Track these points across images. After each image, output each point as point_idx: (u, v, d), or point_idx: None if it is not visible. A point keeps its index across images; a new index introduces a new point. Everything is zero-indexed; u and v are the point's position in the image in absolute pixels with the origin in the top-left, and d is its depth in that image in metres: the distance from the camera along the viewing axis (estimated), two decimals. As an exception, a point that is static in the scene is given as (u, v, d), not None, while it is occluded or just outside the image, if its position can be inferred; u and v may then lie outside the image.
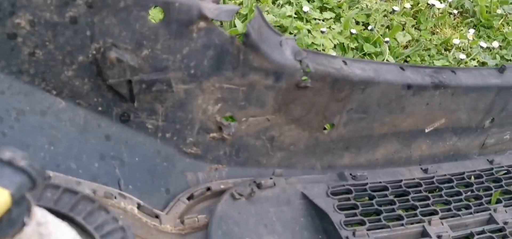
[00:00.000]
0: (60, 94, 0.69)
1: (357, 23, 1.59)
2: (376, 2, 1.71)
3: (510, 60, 1.73)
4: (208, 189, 0.89)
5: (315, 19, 1.51)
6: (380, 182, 1.09)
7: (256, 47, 0.77)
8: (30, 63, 0.64)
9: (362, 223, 0.96)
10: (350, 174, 1.08)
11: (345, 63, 0.94)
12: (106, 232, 0.47)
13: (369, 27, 1.54)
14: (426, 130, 1.16)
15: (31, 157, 0.35)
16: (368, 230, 0.96)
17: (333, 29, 1.48)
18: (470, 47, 1.70)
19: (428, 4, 1.77)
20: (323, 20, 1.53)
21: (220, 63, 0.78)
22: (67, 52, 0.65)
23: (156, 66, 0.73)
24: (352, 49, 1.47)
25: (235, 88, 0.83)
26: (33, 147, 0.66)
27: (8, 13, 0.59)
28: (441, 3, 1.77)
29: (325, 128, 1.03)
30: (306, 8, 1.44)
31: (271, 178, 0.95)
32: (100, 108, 0.74)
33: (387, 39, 1.46)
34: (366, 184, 1.06)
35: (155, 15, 0.89)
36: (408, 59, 1.58)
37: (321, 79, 0.89)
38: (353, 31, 1.43)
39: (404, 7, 1.70)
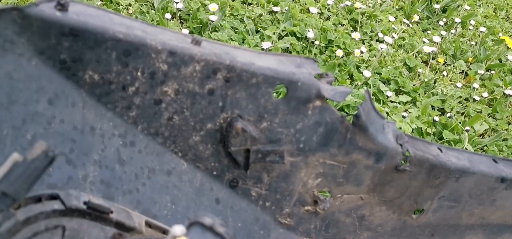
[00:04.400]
0: (185, 157, 0.75)
1: (433, 108, 1.60)
2: (452, 88, 1.73)
3: None
4: (299, 262, 0.90)
5: (392, 102, 1.55)
6: (468, 276, 1.05)
7: (365, 128, 0.80)
8: (166, 126, 0.71)
9: None
10: (437, 263, 1.05)
11: (440, 150, 0.95)
12: None
13: (448, 115, 1.54)
14: (515, 225, 1.12)
15: (217, 222, 0.38)
16: None
17: (410, 113, 1.50)
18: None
19: (504, 93, 1.76)
20: (399, 103, 1.56)
21: (327, 140, 0.81)
22: (199, 119, 0.72)
23: (272, 138, 0.77)
24: (429, 134, 1.47)
25: (336, 165, 0.86)
26: (159, 205, 0.71)
27: (160, 82, 0.66)
28: (518, 94, 1.76)
29: (414, 213, 1.02)
30: (389, 93, 1.48)
31: (360, 258, 0.94)
32: (214, 173, 0.78)
33: (467, 127, 1.46)
34: (453, 275, 1.02)
35: (279, 92, 0.96)
36: (485, 148, 1.55)
37: (418, 164, 0.90)
38: (436, 118, 1.44)
39: (481, 96, 1.70)
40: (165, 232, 0.64)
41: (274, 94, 0.74)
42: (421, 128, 1.44)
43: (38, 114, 0.56)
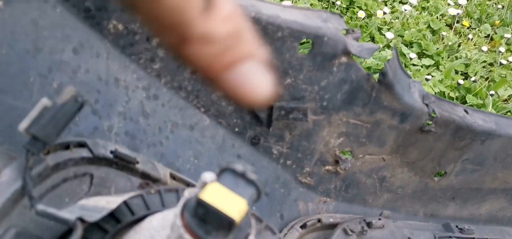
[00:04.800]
0: (207, 112, 0.74)
1: (456, 72, 1.56)
2: (476, 53, 1.68)
3: None
4: (319, 220, 0.90)
5: (414, 65, 1.51)
6: (487, 239, 1.04)
7: (391, 86, 0.78)
8: (189, 80, 0.70)
9: (470, 279, 0.93)
10: (456, 226, 1.05)
11: (467, 112, 0.93)
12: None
13: (472, 79, 1.50)
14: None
15: (253, 170, 0.37)
16: (477, 287, 0.92)
17: (433, 76, 1.47)
18: None
19: (530, 59, 1.70)
20: (422, 66, 1.52)
21: (352, 98, 0.80)
22: (222, 74, 0.70)
23: (295, 95, 0.76)
24: (452, 98, 1.44)
25: (360, 124, 0.85)
26: (182, 159, 0.71)
27: (183, 34, 0.65)
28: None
29: (436, 175, 1.01)
30: (412, 55, 1.44)
31: (380, 219, 0.94)
32: (236, 129, 0.78)
33: (492, 92, 1.42)
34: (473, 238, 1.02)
35: (304, 47, 0.94)
36: (509, 114, 1.52)
37: (444, 125, 0.88)
38: (461, 81, 1.40)
39: (507, 60, 1.65)
40: (189, 185, 0.64)
41: (300, 49, 0.72)
42: (444, 92, 1.41)
43: (63, 63, 0.55)
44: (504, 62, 1.62)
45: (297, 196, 0.91)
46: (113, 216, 0.44)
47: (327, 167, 0.91)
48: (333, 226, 0.90)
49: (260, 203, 0.84)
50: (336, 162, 0.90)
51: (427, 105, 0.85)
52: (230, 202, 0.34)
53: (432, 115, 0.86)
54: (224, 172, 0.37)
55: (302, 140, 0.84)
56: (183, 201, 0.37)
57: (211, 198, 0.34)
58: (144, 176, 0.57)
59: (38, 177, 0.44)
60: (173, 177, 0.62)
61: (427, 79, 1.39)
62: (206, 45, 0.25)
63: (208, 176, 0.39)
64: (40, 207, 0.39)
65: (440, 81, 1.43)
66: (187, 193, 0.39)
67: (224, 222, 0.34)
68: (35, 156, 0.42)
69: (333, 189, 0.94)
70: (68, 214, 0.39)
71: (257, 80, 0.27)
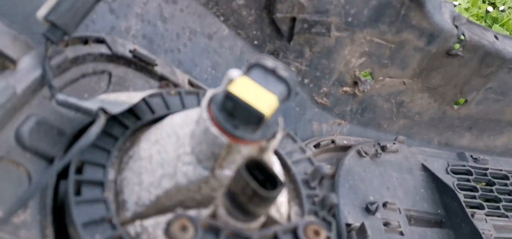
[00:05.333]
0: (226, 22, 0.71)
1: (483, 1, 1.48)
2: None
3: None
4: (332, 142, 0.89)
5: (440, -10, 1.43)
6: (501, 170, 1.04)
7: (422, 4, 0.74)
8: (209, -15, 0.66)
9: (480, 207, 0.93)
10: (471, 156, 1.04)
11: (497, 37, 0.89)
12: (296, 160, 0.48)
13: (500, 8, 1.43)
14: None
15: (287, 69, 0.35)
16: (486, 215, 0.92)
17: (459, 4, 1.39)
18: None
19: None
20: (448, -7, 1.44)
21: (379, 15, 0.76)
22: (244, -21, 0.66)
23: (319, 7, 0.72)
24: (477, 28, 1.38)
25: (384, 44, 0.81)
26: (200, 68, 0.69)
27: None
28: None
29: (456, 103, 0.98)
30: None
31: (394, 143, 0.93)
32: (255, 42, 0.75)
33: (520, 22, 1.35)
34: (487, 169, 1.01)
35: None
36: (535, 48, 1.45)
37: (472, 50, 0.84)
38: (490, 9, 1.33)
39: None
40: (207, 93, 0.62)
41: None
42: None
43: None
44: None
45: (312, 116, 0.89)
46: (133, 113, 0.43)
47: (345, 88, 0.89)
48: (346, 148, 0.89)
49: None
50: (355, 84, 0.88)
51: (457, 27, 0.81)
52: (260, 97, 0.33)
53: (461, 38, 0.82)
54: (253, 68, 0.35)
55: (322, 58, 0.81)
56: (210, 95, 0.36)
57: (240, 91, 0.32)
58: (163, 80, 0.55)
59: (57, 68, 0.42)
60: (191, 84, 0.60)
61: (454, 5, 1.32)
62: None
63: (235, 73, 0.37)
64: (61, 96, 0.38)
65: (466, 9, 1.37)
66: (210, 92, 0.37)
67: (253, 117, 0.32)
68: (54, 45, 0.40)
69: (349, 111, 0.93)
70: (90, 104, 0.37)
71: None
